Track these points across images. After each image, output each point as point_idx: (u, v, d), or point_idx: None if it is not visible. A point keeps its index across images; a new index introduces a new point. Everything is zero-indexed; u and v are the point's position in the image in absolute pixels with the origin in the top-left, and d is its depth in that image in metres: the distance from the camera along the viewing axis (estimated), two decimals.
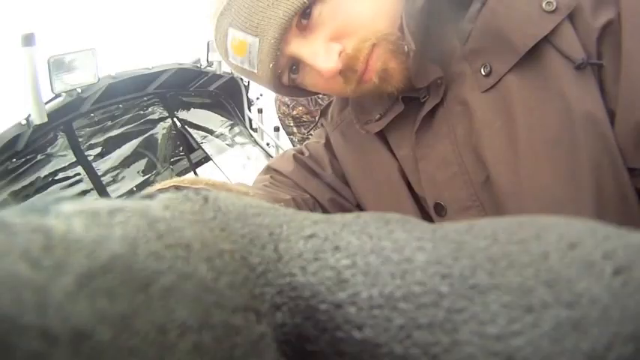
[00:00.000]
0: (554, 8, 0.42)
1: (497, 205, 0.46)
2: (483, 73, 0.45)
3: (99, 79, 1.74)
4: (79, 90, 1.72)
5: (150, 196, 0.15)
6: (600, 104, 0.41)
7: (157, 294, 0.11)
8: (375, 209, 0.55)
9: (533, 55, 0.43)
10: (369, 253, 0.14)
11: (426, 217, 0.52)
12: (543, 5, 0.42)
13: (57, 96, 1.70)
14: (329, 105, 0.65)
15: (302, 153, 0.64)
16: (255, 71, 0.49)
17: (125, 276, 0.11)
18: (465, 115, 0.47)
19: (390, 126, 0.54)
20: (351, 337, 0.13)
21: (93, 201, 0.13)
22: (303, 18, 0.45)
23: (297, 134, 2.28)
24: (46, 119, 1.60)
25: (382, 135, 0.56)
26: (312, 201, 0.58)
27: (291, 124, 2.28)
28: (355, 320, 0.13)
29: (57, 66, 1.62)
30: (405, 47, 0.45)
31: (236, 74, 2.56)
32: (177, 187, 0.35)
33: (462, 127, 0.48)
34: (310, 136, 0.76)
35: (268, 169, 0.64)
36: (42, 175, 1.76)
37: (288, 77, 0.51)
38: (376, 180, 0.57)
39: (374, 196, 0.58)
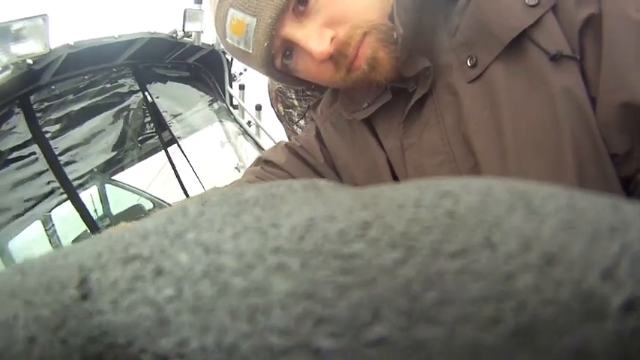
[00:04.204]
0: (536, 2, 0.43)
1: None
2: (469, 64, 0.47)
3: (50, 50, 1.57)
4: (30, 61, 1.56)
5: None
6: (580, 85, 0.42)
7: None
8: None
9: (515, 47, 0.45)
10: (201, 277, 0.10)
11: None
12: (526, 0, 0.44)
13: (5, 68, 1.55)
14: (319, 101, 0.67)
15: (294, 143, 0.65)
16: (250, 51, 0.51)
17: None
18: (454, 105, 0.49)
19: (378, 116, 0.55)
20: None
21: None
22: (300, 4, 0.48)
23: (298, 107, 2.14)
24: None
25: (371, 126, 0.57)
26: None
27: (293, 97, 2.15)
28: None
29: (1, 35, 1.46)
30: (394, 35, 0.47)
31: (218, 47, 2.38)
32: None
33: (450, 116, 0.49)
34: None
35: (259, 161, 0.65)
36: None
37: (281, 62, 0.52)
38: (365, 169, 0.58)
39: (363, 185, 0.53)
